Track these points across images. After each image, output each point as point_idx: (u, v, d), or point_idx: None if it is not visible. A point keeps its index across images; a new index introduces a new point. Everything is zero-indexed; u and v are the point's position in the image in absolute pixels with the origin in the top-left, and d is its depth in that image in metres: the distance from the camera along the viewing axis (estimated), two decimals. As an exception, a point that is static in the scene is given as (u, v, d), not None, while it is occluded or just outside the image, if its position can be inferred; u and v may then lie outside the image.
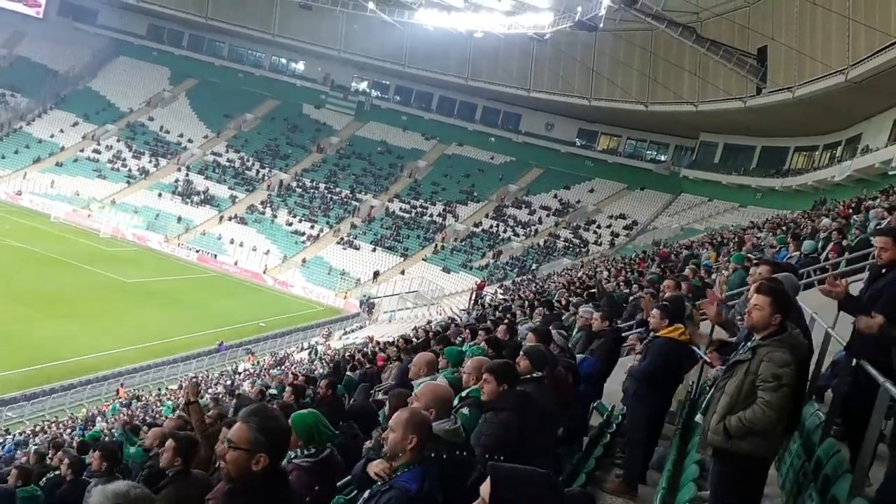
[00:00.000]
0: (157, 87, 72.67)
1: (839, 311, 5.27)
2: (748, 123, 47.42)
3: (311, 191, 63.50)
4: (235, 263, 53.89)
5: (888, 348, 4.58)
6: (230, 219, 59.67)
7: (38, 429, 24.70)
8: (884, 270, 5.13)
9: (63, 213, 55.89)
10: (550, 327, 7.78)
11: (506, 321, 11.29)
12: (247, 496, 3.00)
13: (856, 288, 6.97)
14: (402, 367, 10.35)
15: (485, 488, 2.32)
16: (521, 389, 4.66)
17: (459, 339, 11.71)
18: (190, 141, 67.74)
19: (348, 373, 13.35)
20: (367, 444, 5.81)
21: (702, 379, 8.24)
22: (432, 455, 3.52)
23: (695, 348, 7.66)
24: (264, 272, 53.43)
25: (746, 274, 9.53)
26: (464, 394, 5.07)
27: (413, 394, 4.58)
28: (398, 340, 16.10)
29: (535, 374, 5.25)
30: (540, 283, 36.45)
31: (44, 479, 8.16)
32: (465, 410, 4.77)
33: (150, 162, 64.72)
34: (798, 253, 12.82)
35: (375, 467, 3.68)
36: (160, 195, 61.07)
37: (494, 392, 4.53)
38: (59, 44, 71.64)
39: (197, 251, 55.16)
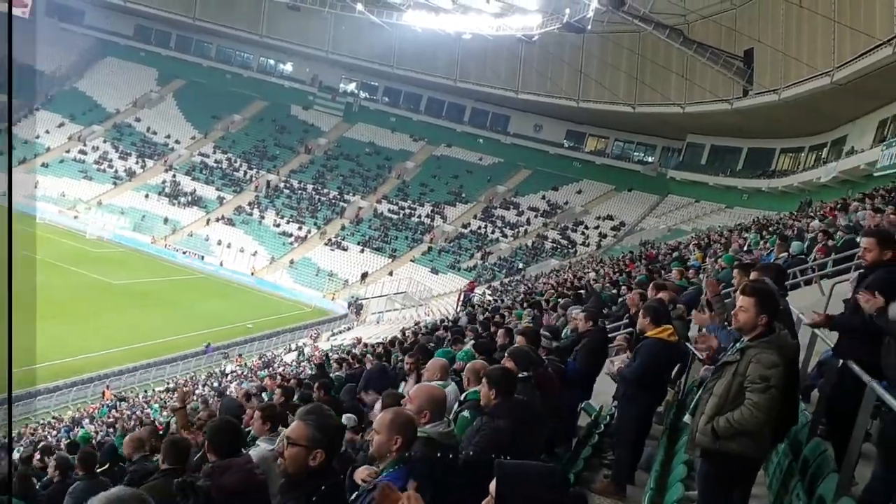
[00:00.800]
0: (144, 88, 72.19)
1: (830, 330, 5.33)
2: (735, 125, 47.68)
3: (299, 192, 63.30)
4: (221, 264, 53.66)
5: (875, 348, 4.62)
6: (217, 220, 59.40)
7: (23, 431, 24.49)
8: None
9: (48, 214, 55.37)
10: (541, 329, 7.78)
11: (494, 322, 11.30)
12: (304, 489, 3.16)
13: (843, 287, 7.02)
14: (376, 368, 10.49)
15: (492, 485, 2.43)
16: (519, 398, 4.65)
17: (431, 345, 11.73)
18: (177, 142, 67.36)
19: (337, 373, 13.35)
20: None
21: (689, 379, 8.27)
22: (430, 459, 3.53)
23: (688, 344, 7.68)
24: (252, 273, 53.25)
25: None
26: (462, 397, 5.08)
27: (407, 395, 4.57)
28: (387, 342, 16.11)
29: (520, 375, 5.26)
30: (529, 284, 36.54)
31: (38, 483, 8.18)
32: (466, 413, 4.80)
33: (137, 163, 64.28)
34: (786, 254, 12.91)
35: (361, 474, 3.69)
36: (147, 196, 60.68)
37: (486, 397, 4.54)
38: (46, 44, 70.95)
39: (184, 252, 54.89)
